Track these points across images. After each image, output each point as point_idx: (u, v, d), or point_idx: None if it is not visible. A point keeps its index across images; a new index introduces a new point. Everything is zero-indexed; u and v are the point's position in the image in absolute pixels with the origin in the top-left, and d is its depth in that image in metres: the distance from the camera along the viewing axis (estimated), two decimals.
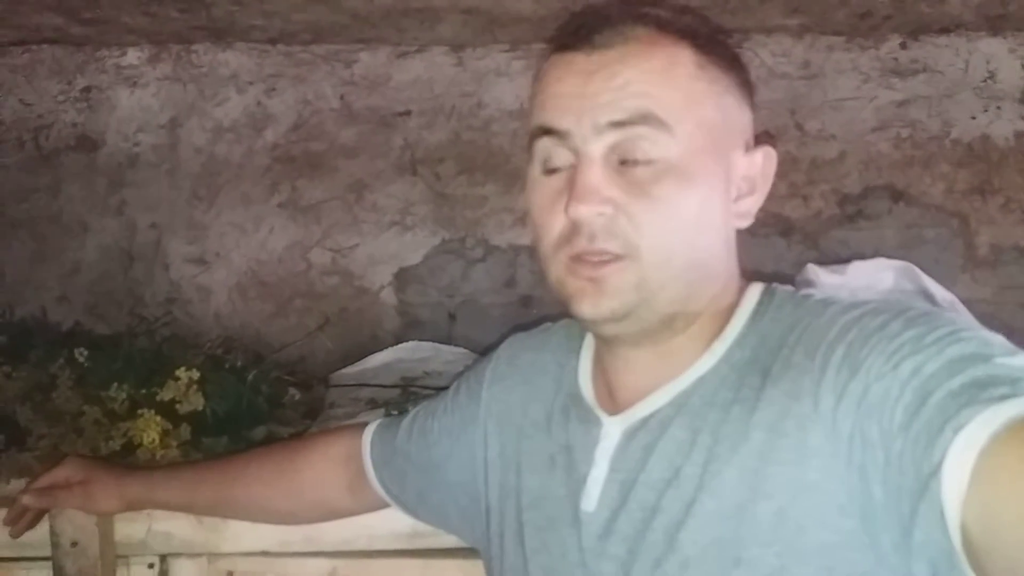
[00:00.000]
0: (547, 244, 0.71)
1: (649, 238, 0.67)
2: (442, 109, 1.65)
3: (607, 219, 0.67)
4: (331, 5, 1.41)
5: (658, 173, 0.67)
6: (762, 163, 0.74)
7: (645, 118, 0.66)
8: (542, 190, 0.71)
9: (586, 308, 0.69)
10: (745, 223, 0.74)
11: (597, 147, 0.67)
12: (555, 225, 0.70)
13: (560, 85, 0.69)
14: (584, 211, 0.66)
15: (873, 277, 1.15)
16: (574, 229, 0.68)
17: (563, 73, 0.70)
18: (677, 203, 0.67)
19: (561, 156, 0.70)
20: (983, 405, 0.51)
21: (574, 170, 0.68)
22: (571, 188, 0.67)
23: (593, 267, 0.68)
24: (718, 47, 0.72)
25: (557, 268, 0.70)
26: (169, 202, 1.66)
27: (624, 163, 0.67)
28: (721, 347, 0.71)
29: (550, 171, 0.71)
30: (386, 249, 1.67)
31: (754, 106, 0.75)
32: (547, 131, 0.70)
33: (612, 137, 0.67)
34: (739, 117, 0.73)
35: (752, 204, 0.74)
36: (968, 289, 1.60)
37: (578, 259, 0.68)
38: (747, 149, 0.73)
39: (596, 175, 0.67)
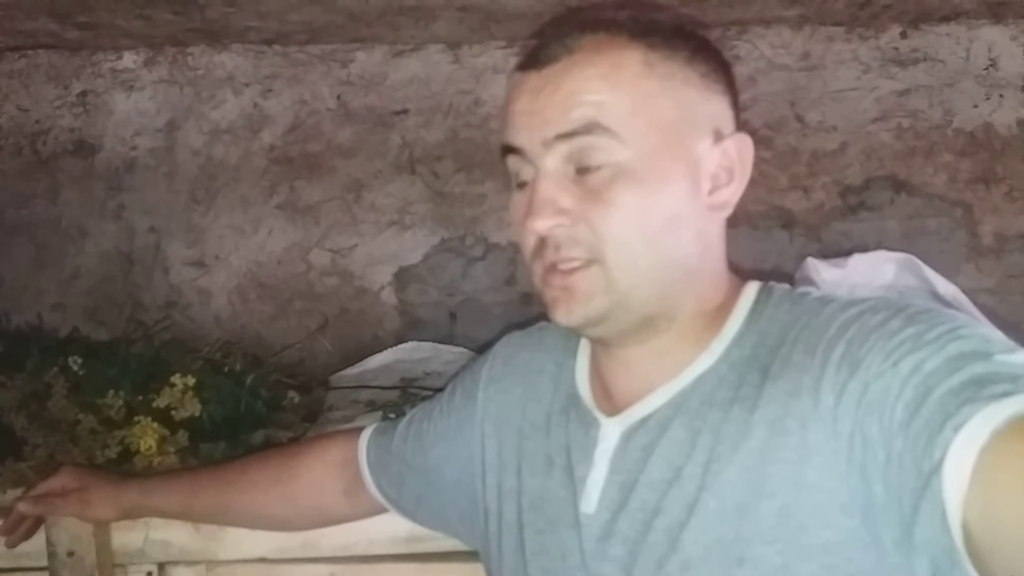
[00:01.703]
0: (525, 256, 0.73)
1: (610, 241, 0.68)
2: (439, 107, 1.65)
3: (567, 228, 0.68)
4: (326, 5, 1.40)
5: (610, 178, 0.67)
6: (737, 150, 0.72)
7: (588, 127, 0.67)
8: (515, 205, 0.73)
9: (560, 315, 0.70)
10: (724, 214, 0.72)
11: (548, 161, 0.69)
12: (528, 238, 0.71)
13: (515, 103, 0.71)
14: (539, 225, 0.68)
15: (874, 270, 1.14)
16: (542, 241, 0.70)
17: (518, 92, 0.71)
18: (632, 204, 0.67)
19: (526, 171, 0.71)
20: (984, 402, 0.51)
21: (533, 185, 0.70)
22: (529, 203, 0.69)
23: (563, 276, 0.69)
24: (676, 41, 0.71)
25: (535, 279, 0.73)
26: (167, 205, 1.66)
27: (580, 171, 0.68)
28: (719, 346, 0.71)
29: (520, 186, 0.72)
30: (385, 249, 1.66)
31: (734, 92, 0.74)
32: (509, 149, 0.71)
33: (562, 149, 0.68)
34: (703, 108, 0.71)
35: (731, 194, 0.72)
36: (972, 279, 1.59)
37: (550, 269, 0.70)
38: (717, 139, 0.71)
39: (548, 189, 0.68)
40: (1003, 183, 1.61)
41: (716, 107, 0.72)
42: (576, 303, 0.69)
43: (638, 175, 0.67)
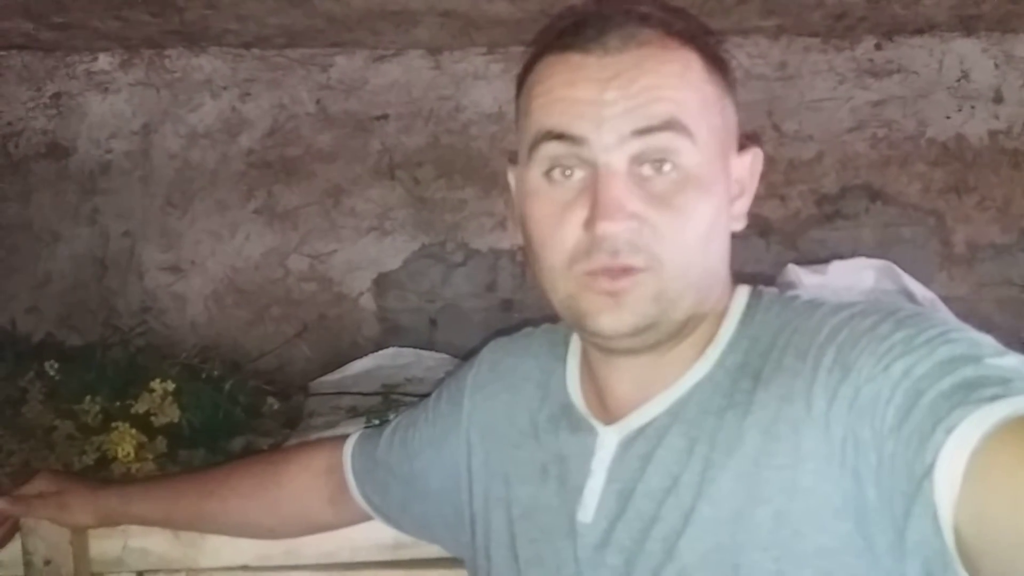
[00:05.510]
0: (556, 259, 0.67)
1: (671, 250, 0.65)
2: (420, 113, 1.64)
3: (632, 233, 0.64)
4: (306, 9, 1.39)
5: (680, 183, 0.65)
6: (750, 164, 0.74)
7: (670, 124, 0.64)
8: (546, 200, 0.68)
9: (605, 323, 0.66)
10: (740, 226, 0.73)
11: (620, 157, 0.64)
12: (566, 239, 0.66)
13: (572, 89, 0.66)
14: (613, 228, 0.63)
15: (853, 277, 1.16)
16: (593, 244, 0.65)
17: (574, 77, 0.66)
18: (697, 213, 0.65)
19: (571, 164, 0.66)
20: (974, 406, 0.51)
21: (592, 181, 0.65)
22: (594, 202, 0.64)
23: (612, 280, 0.65)
24: (715, 49, 0.71)
25: (569, 284, 0.67)
26: (143, 210, 1.64)
27: (645, 173, 0.65)
28: (714, 352, 0.70)
29: (553, 179, 0.67)
30: (365, 254, 1.65)
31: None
32: (558, 136, 0.66)
33: (635, 146, 0.64)
34: (733, 119, 0.72)
35: (743, 206, 0.73)
36: (945, 287, 1.61)
37: (595, 274, 0.65)
38: (739, 150, 0.73)
39: (621, 188, 0.64)
40: (975, 193, 1.64)
41: (735, 118, 0.73)
42: (626, 311, 0.65)
43: (703, 182, 0.66)
